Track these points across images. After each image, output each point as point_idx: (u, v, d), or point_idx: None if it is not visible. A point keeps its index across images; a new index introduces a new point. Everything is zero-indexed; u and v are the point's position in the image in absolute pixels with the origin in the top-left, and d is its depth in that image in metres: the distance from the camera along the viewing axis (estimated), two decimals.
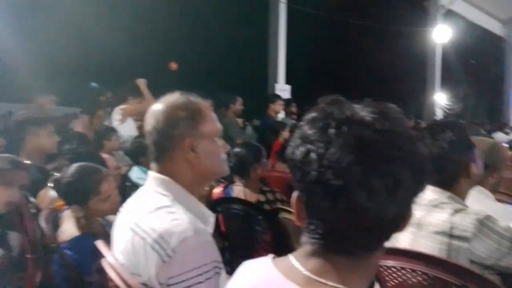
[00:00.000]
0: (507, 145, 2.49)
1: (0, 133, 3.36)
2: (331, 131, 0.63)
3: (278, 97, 5.31)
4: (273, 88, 6.64)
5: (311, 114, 0.68)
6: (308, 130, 0.66)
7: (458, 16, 9.80)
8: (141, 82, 4.02)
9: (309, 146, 0.64)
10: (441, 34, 8.97)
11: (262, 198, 2.43)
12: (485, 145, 1.83)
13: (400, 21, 9.22)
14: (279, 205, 2.29)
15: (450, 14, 9.57)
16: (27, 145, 2.50)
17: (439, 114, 9.25)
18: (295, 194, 0.70)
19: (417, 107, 9.66)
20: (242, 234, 2.20)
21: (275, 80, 6.75)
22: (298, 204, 0.70)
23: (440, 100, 9.70)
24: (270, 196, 2.45)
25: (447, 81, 10.05)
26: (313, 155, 0.63)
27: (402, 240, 1.37)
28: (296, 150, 0.66)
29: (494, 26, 11.19)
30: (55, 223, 1.73)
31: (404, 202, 0.66)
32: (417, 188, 0.67)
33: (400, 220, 0.67)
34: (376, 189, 0.61)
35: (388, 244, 0.69)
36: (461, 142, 1.42)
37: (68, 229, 1.64)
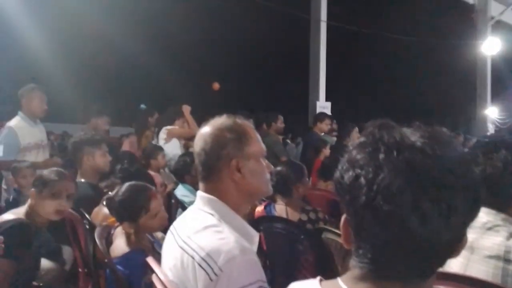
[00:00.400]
0: None
1: (55, 150, 3.62)
2: (381, 156, 0.63)
3: (327, 116, 5.26)
4: (314, 106, 6.63)
5: (360, 139, 0.69)
6: (357, 154, 0.66)
7: (508, 26, 9.34)
8: (186, 109, 4.17)
9: (358, 171, 0.64)
10: (490, 46, 8.57)
11: (304, 217, 2.41)
12: None
13: (448, 35, 8.96)
14: (321, 225, 2.26)
15: (499, 24, 9.16)
16: (83, 164, 2.67)
17: (490, 129, 8.77)
18: (343, 218, 0.71)
19: (467, 121, 9.24)
20: (284, 253, 2.19)
21: (317, 98, 6.75)
22: (346, 228, 0.70)
23: (492, 114, 9.19)
24: (312, 215, 2.43)
25: (499, 94, 9.54)
26: (362, 180, 0.63)
27: (453, 264, 1.32)
28: (345, 174, 0.66)
29: None
30: (108, 239, 1.82)
31: (458, 227, 0.64)
32: (471, 213, 0.65)
33: (454, 245, 0.66)
34: (428, 214, 0.60)
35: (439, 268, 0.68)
36: None
37: (120, 245, 1.72)
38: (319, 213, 2.46)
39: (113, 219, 1.84)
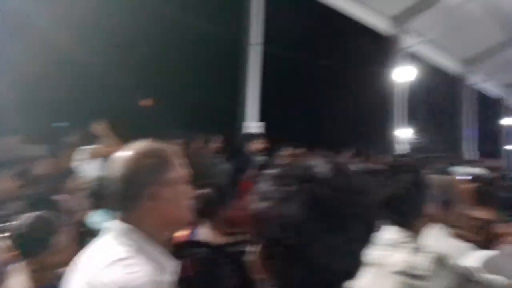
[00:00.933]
0: (469, 178, 2.61)
1: None
2: (290, 188, 0.65)
3: (257, 135, 5.26)
4: (243, 126, 6.70)
5: (271, 171, 0.70)
6: (268, 187, 0.68)
7: (419, 57, 10.48)
8: (98, 127, 3.79)
9: (268, 203, 0.66)
10: (402, 75, 9.58)
11: (230, 240, 2.39)
12: (442, 182, 1.91)
13: (369, 62, 9.81)
14: (246, 247, 2.25)
15: (412, 55, 10.22)
16: None
17: (400, 150, 9.73)
18: (257, 249, 0.70)
19: (381, 143, 10.07)
20: (208, 279, 2.13)
21: (243, 119, 6.82)
22: (259, 258, 0.70)
23: (403, 136, 10.23)
24: (238, 238, 2.41)
25: (411, 118, 10.63)
26: (271, 212, 0.65)
27: (362, 280, 1.38)
28: (256, 206, 0.68)
29: (454, 66, 12.05)
30: (4, 275, 1.62)
31: (358, 254, 0.68)
32: (367, 239, 0.70)
33: (354, 269, 0.69)
34: (332, 245, 0.63)
35: (348, 284, 0.70)
36: (418, 183, 1.47)
37: (21, 282, 1.54)
38: (246, 236, 2.45)
39: (13, 253, 1.65)
